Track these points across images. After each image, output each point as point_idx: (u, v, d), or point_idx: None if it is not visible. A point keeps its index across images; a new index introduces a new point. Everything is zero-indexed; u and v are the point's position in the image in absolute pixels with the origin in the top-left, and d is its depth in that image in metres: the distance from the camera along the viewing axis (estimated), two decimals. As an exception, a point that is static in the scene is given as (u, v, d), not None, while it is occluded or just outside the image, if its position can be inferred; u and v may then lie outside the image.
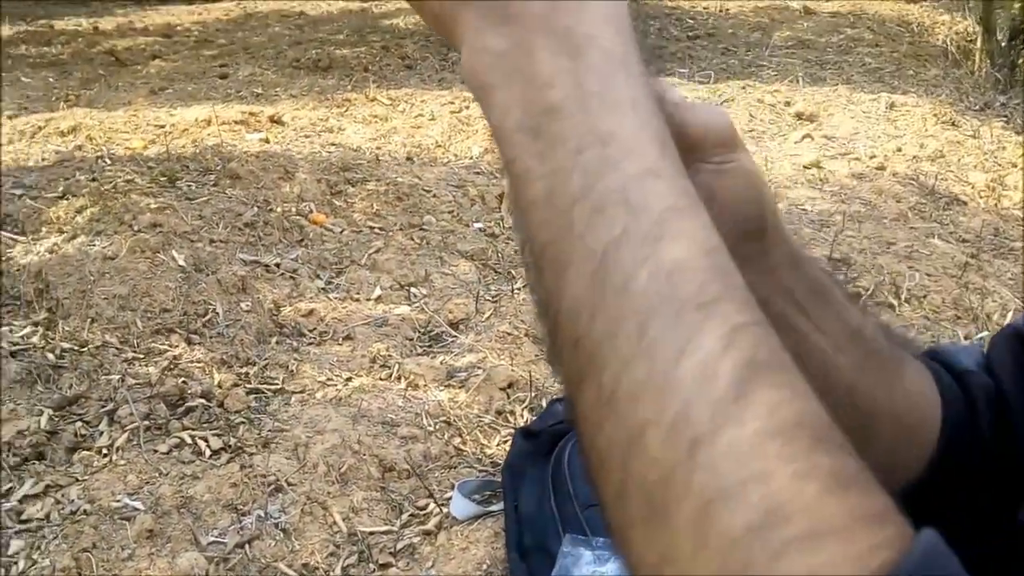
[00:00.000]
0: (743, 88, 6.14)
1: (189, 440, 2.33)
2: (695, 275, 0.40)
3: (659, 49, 7.44)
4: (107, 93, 6.93)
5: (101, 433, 2.35)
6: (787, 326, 0.64)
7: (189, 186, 3.81)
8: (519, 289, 3.29)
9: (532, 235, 0.44)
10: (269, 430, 2.41)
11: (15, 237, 3.32)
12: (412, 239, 3.65)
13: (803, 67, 6.85)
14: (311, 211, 3.77)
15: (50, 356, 2.62)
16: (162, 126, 5.24)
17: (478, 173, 4.57)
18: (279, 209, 3.70)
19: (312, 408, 2.50)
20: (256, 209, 3.62)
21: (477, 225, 3.87)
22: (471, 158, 4.91)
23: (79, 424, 2.38)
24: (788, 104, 5.73)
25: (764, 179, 0.66)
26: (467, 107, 6.00)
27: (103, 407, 2.44)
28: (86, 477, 2.20)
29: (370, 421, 2.46)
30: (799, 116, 5.52)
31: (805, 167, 4.53)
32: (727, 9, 8.99)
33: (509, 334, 2.94)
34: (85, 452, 2.29)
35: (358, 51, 8.24)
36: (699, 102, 0.64)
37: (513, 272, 3.46)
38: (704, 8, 9.03)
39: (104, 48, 9.04)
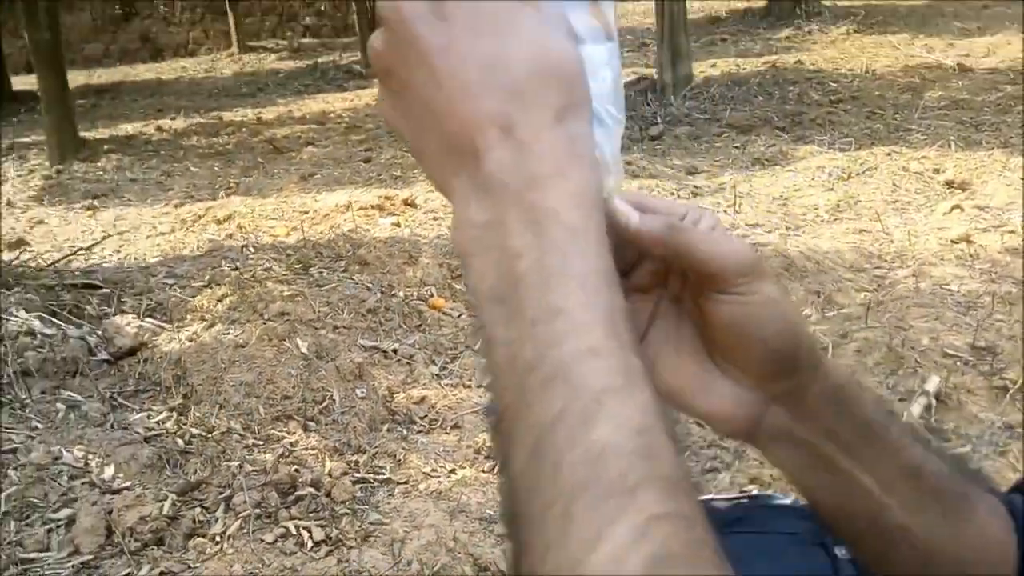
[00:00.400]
0: (888, 155, 5.87)
1: (294, 530, 2.38)
2: (620, 460, 0.41)
3: (798, 116, 7.26)
4: (263, 180, 7.39)
5: (217, 520, 2.44)
6: (832, 467, 0.64)
7: (321, 272, 3.97)
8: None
9: (497, 397, 0.47)
10: (370, 522, 2.44)
11: (162, 325, 3.54)
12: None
13: (955, 130, 6.51)
14: (432, 295, 3.85)
15: (180, 442, 2.76)
16: (306, 212, 5.53)
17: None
18: (401, 294, 3.81)
19: (413, 501, 2.51)
20: (379, 294, 3.74)
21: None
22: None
23: (198, 510, 2.48)
24: (937, 171, 5.43)
25: (795, 312, 0.65)
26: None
27: (221, 493, 2.53)
28: (197, 565, 2.28)
29: (468, 516, 2.44)
30: (949, 184, 5.22)
31: (953, 241, 4.25)
32: (873, 70, 8.70)
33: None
34: (200, 539, 2.37)
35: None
36: (726, 232, 0.62)
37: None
38: (849, 70, 8.78)
39: (264, 137, 9.70)
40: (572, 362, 0.44)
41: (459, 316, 3.70)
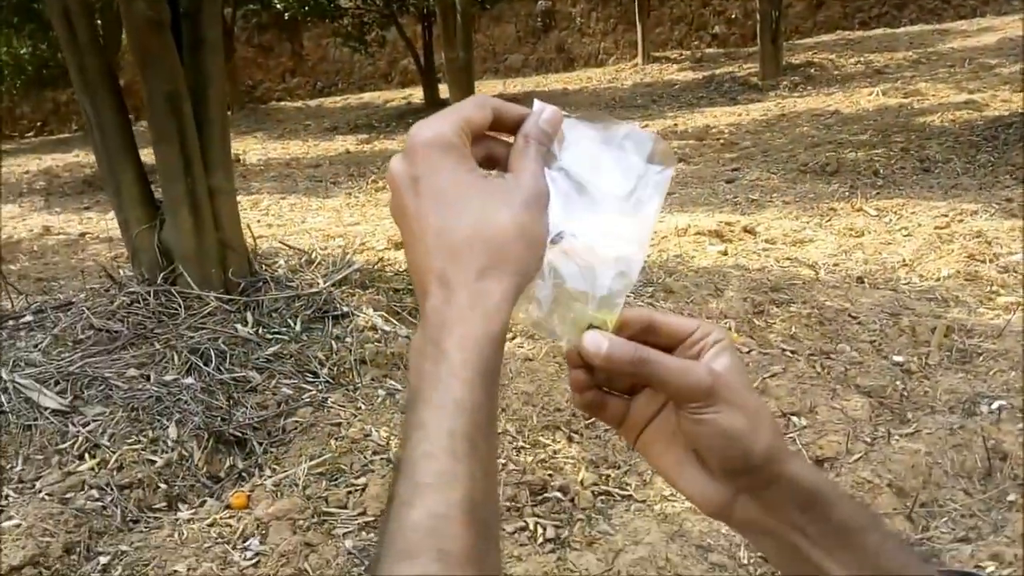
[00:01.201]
0: None
1: (531, 527, 2.75)
2: (415, 534, 0.59)
3: None
4: (625, 195, 7.81)
5: (474, 507, 2.88)
6: (801, 559, 0.75)
7: (628, 297, 4.26)
8: (906, 434, 3.12)
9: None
10: (598, 531, 2.72)
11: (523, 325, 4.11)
12: (815, 367, 3.65)
13: None
14: (731, 328, 3.98)
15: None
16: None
17: (930, 299, 4.32)
18: (698, 324, 3.98)
19: (641, 519, 2.75)
20: (674, 323, 3.95)
21: (897, 358, 3.71)
22: (935, 279, 4.64)
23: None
24: None
25: (746, 428, 0.73)
26: (959, 220, 5.62)
27: (484, 485, 2.97)
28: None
29: (686, 541, 2.62)
30: None
31: None
32: None
33: (868, 482, 2.84)
34: (456, 521, 2.83)
35: (874, 153, 8.08)
36: (687, 363, 0.72)
37: (910, 415, 3.28)
38: None
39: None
40: (415, 462, 0.62)
41: (748, 352, 3.79)
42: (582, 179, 0.70)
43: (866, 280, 4.67)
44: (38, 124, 23.35)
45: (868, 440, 3.12)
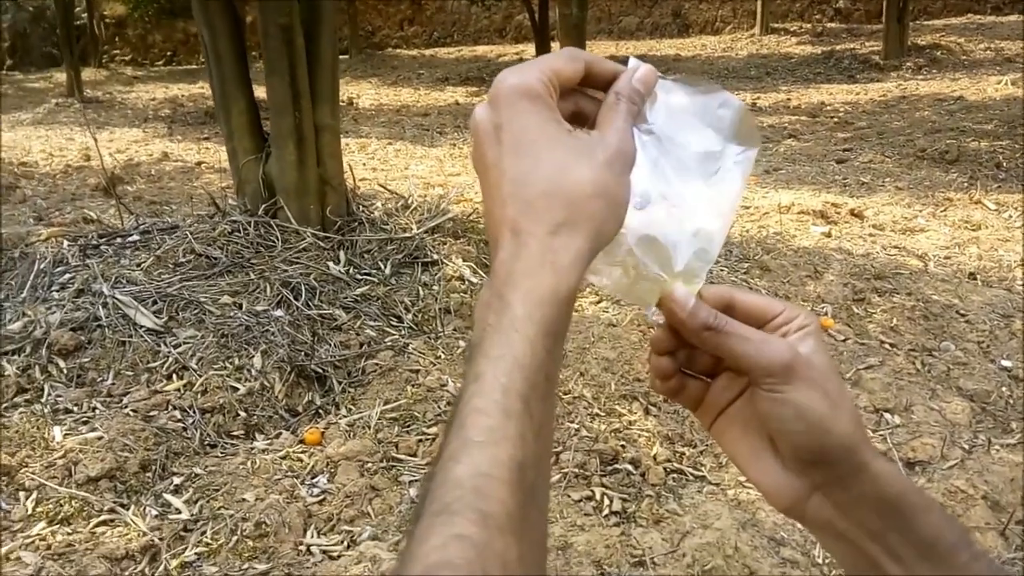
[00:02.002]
0: None
1: (598, 496, 2.70)
2: (457, 490, 0.55)
3: None
4: (729, 168, 7.59)
5: (544, 469, 2.85)
6: (876, 568, 0.70)
7: (721, 271, 4.16)
8: (1008, 445, 2.95)
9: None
10: (667, 509, 2.65)
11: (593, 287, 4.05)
12: (915, 363, 3.48)
13: None
14: (826, 314, 3.83)
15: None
16: (747, 207, 5.68)
17: (1046, 304, 4.07)
18: (793, 306, 3.84)
19: (713, 502, 2.67)
20: (768, 303, 3.82)
21: (1005, 362, 3.51)
22: (1054, 284, 4.37)
23: (535, 456, 2.91)
24: None
25: (825, 414, 0.70)
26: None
27: (555, 448, 2.94)
28: (516, 500, 2.71)
29: (758, 531, 2.53)
30: None
31: None
32: None
33: (962, 491, 2.69)
34: (526, 480, 2.80)
35: (998, 144, 7.65)
36: (769, 338, 0.69)
37: (1014, 425, 3.10)
38: None
39: (751, 124, 9.85)
40: (466, 415, 0.59)
41: (844, 340, 3.64)
42: (671, 144, 0.68)
43: (979, 277, 4.42)
44: (168, 54, 24.07)
45: (966, 447, 2.96)
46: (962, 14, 18.68)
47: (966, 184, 6.50)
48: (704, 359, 0.74)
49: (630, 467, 2.85)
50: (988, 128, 8.40)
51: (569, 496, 2.70)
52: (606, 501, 2.69)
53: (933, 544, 0.67)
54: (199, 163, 8.62)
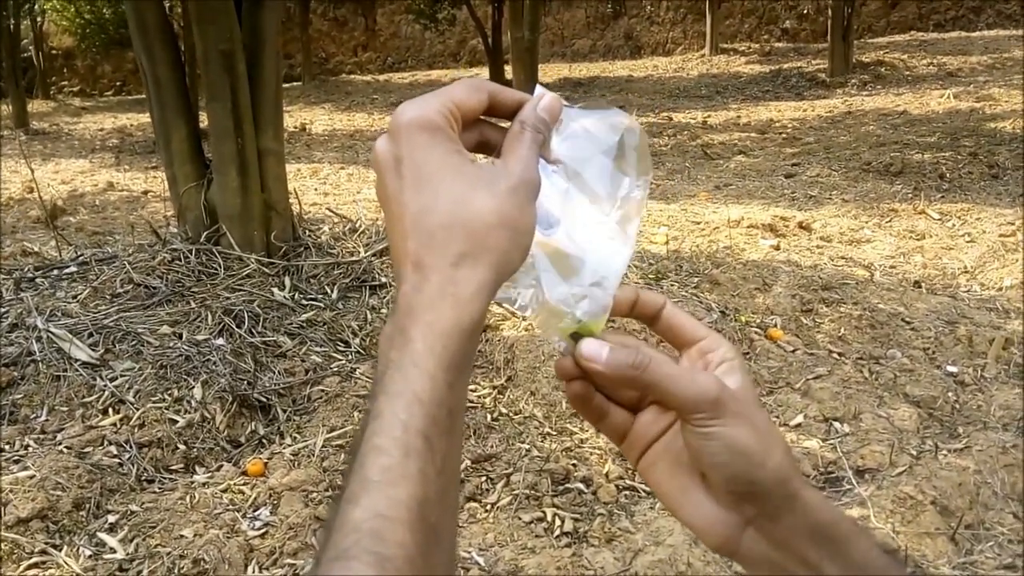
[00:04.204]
0: None
1: (549, 517, 2.65)
2: (354, 535, 0.55)
3: None
4: (680, 185, 7.66)
5: (494, 491, 2.80)
6: None
7: (672, 286, 4.16)
8: (956, 450, 2.96)
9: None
10: (619, 528, 2.62)
11: (512, 311, 4.02)
12: (863, 371, 3.49)
13: None
14: (775, 325, 3.84)
15: (489, 416, 3.17)
16: (697, 223, 5.71)
17: (989, 310, 4.12)
18: (743, 319, 3.84)
19: (665, 518, 2.64)
20: (717, 316, 3.82)
21: (951, 368, 3.53)
22: (997, 289, 4.43)
23: (483, 479, 2.86)
24: None
25: (756, 447, 0.68)
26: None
27: (505, 469, 2.89)
28: (463, 526, 2.66)
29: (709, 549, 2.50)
30: None
31: None
32: None
33: (911, 497, 2.69)
34: (474, 504, 2.75)
35: (941, 156, 7.80)
36: (696, 371, 0.68)
37: (960, 430, 3.12)
38: None
39: (702, 141, 9.98)
40: (366, 455, 0.58)
41: (793, 351, 3.65)
42: (575, 173, 0.67)
43: (923, 285, 4.47)
44: (117, 83, 23.83)
45: (914, 453, 2.96)
46: (905, 31, 19.12)
47: (910, 195, 6.60)
48: (625, 392, 0.73)
49: (582, 486, 2.81)
50: (931, 140, 8.57)
51: (520, 518, 2.65)
52: (557, 521, 2.64)
53: (864, 569, 0.66)
54: (145, 192, 8.48)
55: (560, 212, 0.67)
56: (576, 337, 0.67)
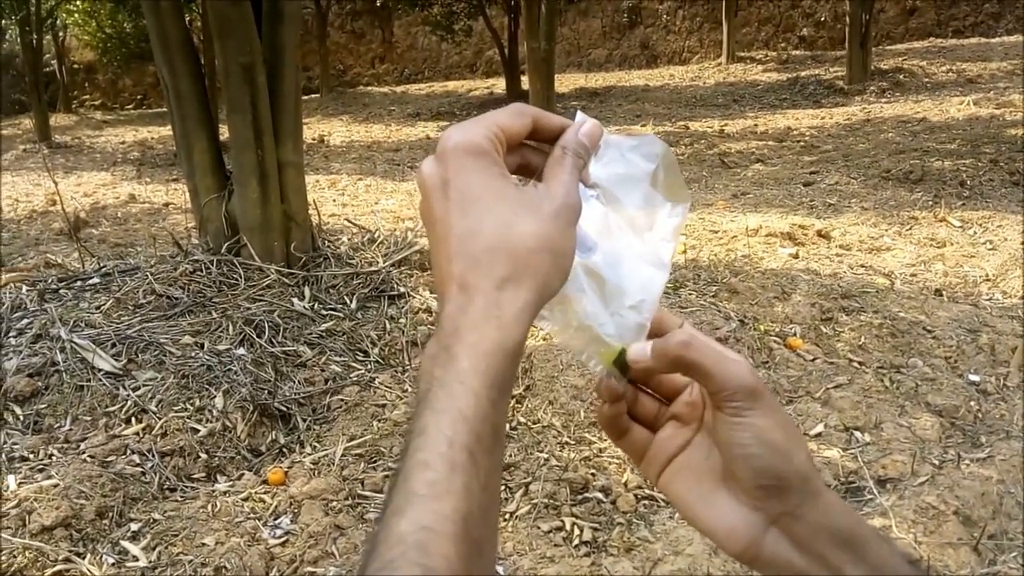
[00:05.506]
0: None
1: (568, 527, 2.65)
2: (399, 547, 0.56)
3: None
4: (698, 194, 7.63)
5: (513, 500, 2.80)
6: None
7: (690, 295, 4.15)
8: (978, 459, 2.94)
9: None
10: (638, 537, 2.61)
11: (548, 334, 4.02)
12: (883, 380, 3.47)
13: None
14: (794, 334, 3.82)
15: (507, 426, 3.18)
16: (715, 231, 5.70)
17: (1012, 318, 4.09)
18: (761, 328, 3.83)
19: (684, 528, 2.63)
20: (736, 325, 3.81)
21: (972, 377, 3.51)
22: (1019, 298, 4.40)
23: (502, 489, 2.86)
24: None
25: (784, 441, 0.69)
26: (1052, 238, 5.32)
27: (524, 478, 2.89)
28: (484, 534, 2.65)
29: (730, 556, 2.49)
30: None
31: None
32: None
33: (933, 507, 2.67)
34: (495, 513, 2.75)
35: (961, 163, 7.74)
36: (728, 355, 0.68)
37: (983, 439, 3.09)
38: None
39: (719, 150, 9.96)
40: (411, 469, 0.59)
41: (812, 360, 3.63)
42: (613, 198, 0.69)
43: (945, 293, 4.44)
44: (139, 97, 24.08)
45: (936, 463, 2.94)
46: (924, 38, 19.01)
47: (931, 203, 6.56)
48: (645, 409, 0.75)
49: (600, 495, 2.81)
50: (951, 148, 8.51)
51: (539, 527, 2.65)
52: (576, 531, 2.64)
53: (882, 573, 0.67)
54: (166, 204, 8.56)
55: (598, 236, 0.68)
56: (616, 360, 0.69)
